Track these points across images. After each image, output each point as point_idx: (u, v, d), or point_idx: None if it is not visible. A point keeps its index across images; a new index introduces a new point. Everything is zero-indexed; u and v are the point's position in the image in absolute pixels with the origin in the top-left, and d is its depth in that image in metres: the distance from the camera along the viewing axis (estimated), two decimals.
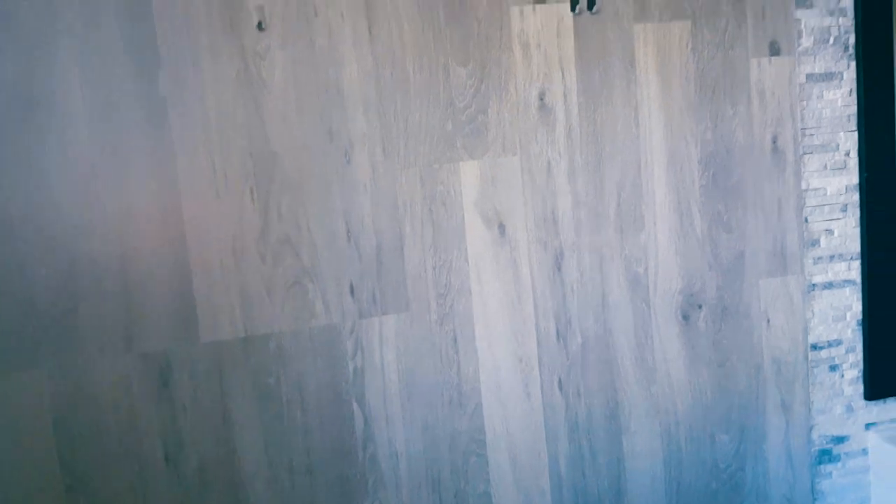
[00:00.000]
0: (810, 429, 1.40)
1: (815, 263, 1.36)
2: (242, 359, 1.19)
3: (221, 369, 1.18)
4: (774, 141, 1.31)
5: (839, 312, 1.38)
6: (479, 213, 1.25)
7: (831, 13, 1.31)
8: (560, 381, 1.30)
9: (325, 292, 1.21)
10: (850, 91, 1.33)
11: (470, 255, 1.25)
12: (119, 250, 1.12)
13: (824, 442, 1.40)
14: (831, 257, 1.36)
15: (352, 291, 1.22)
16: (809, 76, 1.31)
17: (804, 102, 1.31)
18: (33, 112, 1.07)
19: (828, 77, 1.32)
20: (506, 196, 1.25)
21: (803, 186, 1.33)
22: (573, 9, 1.22)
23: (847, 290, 1.38)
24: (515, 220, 1.26)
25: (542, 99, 1.24)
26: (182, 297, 1.15)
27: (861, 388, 1.41)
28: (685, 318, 1.33)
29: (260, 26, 1.14)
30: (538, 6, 1.22)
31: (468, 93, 1.22)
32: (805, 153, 1.33)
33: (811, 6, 1.30)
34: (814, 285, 1.36)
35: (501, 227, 1.26)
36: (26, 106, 1.06)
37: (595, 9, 1.23)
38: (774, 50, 1.29)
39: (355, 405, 1.24)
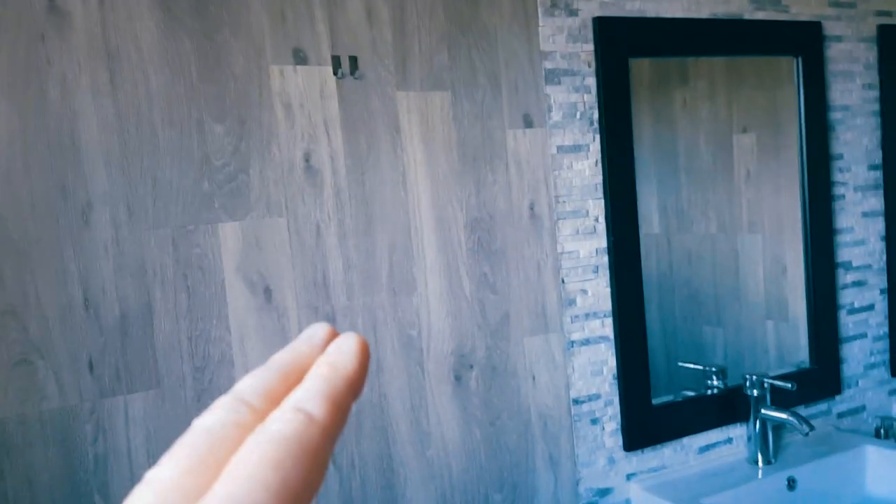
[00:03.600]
0: (577, 482, 1.45)
1: (573, 322, 1.43)
2: None
3: None
4: (532, 207, 1.39)
5: (597, 367, 1.46)
6: (242, 278, 1.18)
7: (577, 90, 1.43)
8: (333, 454, 1.24)
9: (59, 370, 1.07)
10: (596, 162, 1.45)
11: (232, 324, 1.17)
12: None
13: (591, 495, 1.46)
14: (587, 315, 1.45)
15: (91, 368, 1.08)
16: (560, 147, 1.41)
17: (556, 172, 1.41)
18: None
19: (576, 148, 1.43)
20: (272, 259, 1.20)
21: (559, 250, 1.41)
22: (335, 72, 1.22)
23: (602, 346, 1.47)
24: (283, 284, 1.20)
25: (307, 160, 1.22)
26: None
27: (620, 439, 1.49)
28: (457, 378, 1.33)
29: None
30: (299, 67, 1.20)
31: (226, 150, 1.16)
32: (559, 219, 1.41)
33: (559, 83, 1.41)
34: (573, 342, 1.44)
35: (268, 292, 1.20)
36: None
37: (357, 74, 1.24)
38: (528, 122, 1.38)
39: (97, 497, 1.09)
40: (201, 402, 1.15)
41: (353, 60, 1.23)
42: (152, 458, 1.11)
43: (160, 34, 1.11)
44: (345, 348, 0.22)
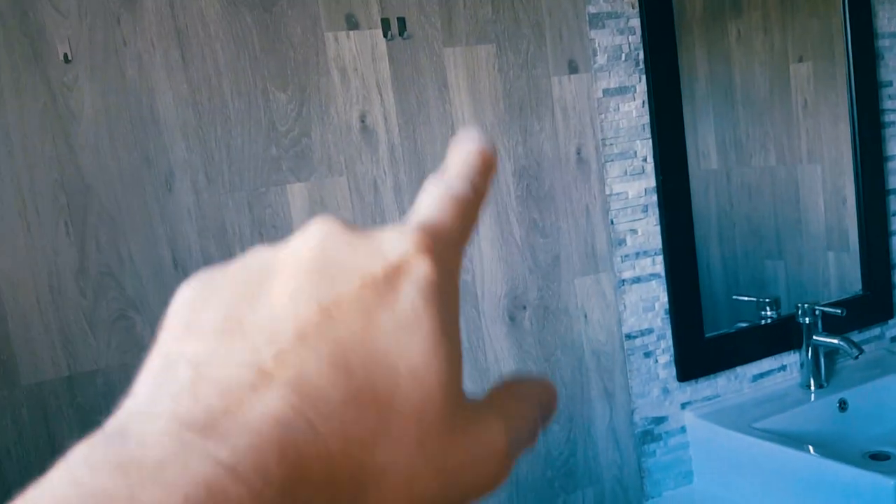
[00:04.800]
0: (632, 412, 1.53)
1: (623, 261, 1.49)
2: (68, 399, 1.15)
3: (46, 411, 1.14)
4: (579, 152, 1.43)
5: (648, 304, 1.52)
6: None
7: (621, 32, 1.45)
8: None
9: (154, 323, 1.20)
10: (643, 102, 1.48)
11: None
12: None
13: (646, 423, 1.54)
14: (637, 254, 1.50)
15: None
16: (606, 91, 1.45)
17: (602, 115, 1.44)
18: None
19: (622, 91, 1.46)
20: (336, 215, 1.29)
21: (607, 192, 1.46)
22: (385, 34, 1.29)
23: (654, 283, 1.52)
24: None
25: (363, 121, 1.30)
26: None
27: (674, 371, 1.56)
28: (511, 318, 1.42)
29: (66, 58, 1.12)
30: (352, 32, 1.27)
31: (290, 116, 1.25)
32: (607, 161, 1.46)
33: (603, 27, 1.43)
34: (623, 281, 1.50)
35: None
36: None
37: (406, 34, 1.30)
38: (573, 68, 1.42)
39: None
40: None
41: (402, 21, 1.29)
42: None
43: (223, 10, 1.19)
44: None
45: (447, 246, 0.23)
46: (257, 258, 0.23)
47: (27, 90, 1.10)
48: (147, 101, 1.17)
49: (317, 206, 1.28)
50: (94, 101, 1.14)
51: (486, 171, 0.26)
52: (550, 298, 1.44)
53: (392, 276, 0.21)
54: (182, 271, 1.20)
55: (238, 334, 0.20)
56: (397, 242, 0.22)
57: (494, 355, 1.41)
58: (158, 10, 1.16)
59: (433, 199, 0.24)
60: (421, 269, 0.22)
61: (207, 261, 1.22)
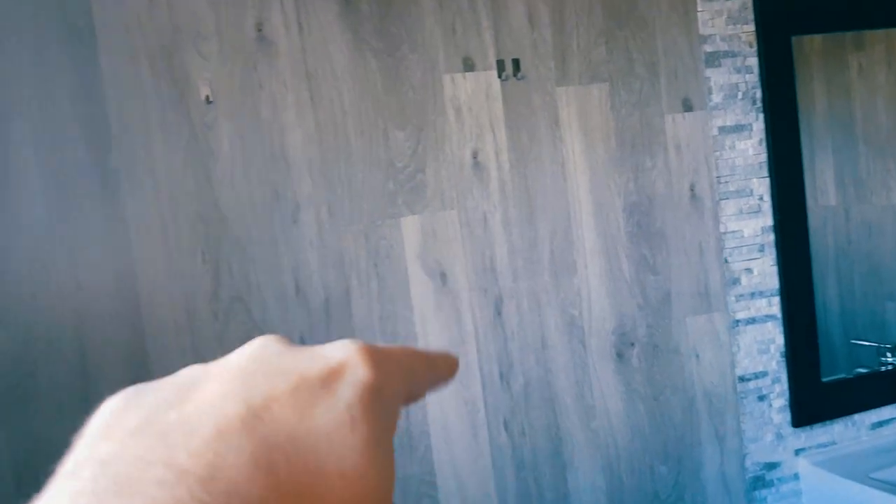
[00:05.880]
0: (743, 457, 1.48)
1: (737, 301, 1.46)
2: None
3: None
4: (692, 189, 1.42)
5: (763, 345, 1.48)
6: (421, 265, 1.33)
7: (738, 71, 1.43)
8: (505, 422, 1.37)
9: None
10: (760, 141, 1.45)
11: (414, 305, 1.33)
12: (75, 315, 1.17)
13: (757, 469, 1.49)
14: (752, 294, 1.46)
15: (302, 343, 1.28)
16: (721, 128, 1.43)
17: (718, 153, 1.43)
18: None
19: (738, 129, 1.44)
20: (446, 247, 1.34)
21: (722, 230, 1.44)
22: (500, 75, 1.33)
23: (769, 325, 1.48)
24: (456, 269, 1.34)
25: (475, 157, 1.34)
26: (138, 357, 1.20)
27: (788, 415, 1.50)
28: (619, 356, 1.41)
29: (207, 100, 1.22)
30: (468, 73, 1.32)
31: (406, 154, 1.31)
32: (721, 199, 1.44)
33: (719, 65, 1.42)
34: (737, 321, 1.46)
35: (443, 277, 1.34)
36: None
37: (520, 74, 1.34)
38: (687, 106, 1.41)
39: None
40: None
41: (516, 62, 1.33)
42: None
43: (350, 55, 1.27)
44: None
45: (391, 367, 0.23)
46: (188, 372, 0.23)
47: (172, 129, 1.21)
48: (278, 140, 1.25)
49: (429, 238, 1.32)
50: (232, 139, 1.23)
51: (446, 369, 0.28)
52: (660, 336, 1.42)
53: (330, 379, 0.21)
54: (303, 297, 1.27)
55: (154, 434, 0.19)
56: (339, 348, 0.22)
57: (601, 392, 1.40)
58: (292, 55, 1.25)
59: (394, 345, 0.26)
60: (360, 373, 0.21)
61: (326, 288, 1.28)
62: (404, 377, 0.24)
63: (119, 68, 1.18)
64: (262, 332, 1.26)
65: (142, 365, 1.20)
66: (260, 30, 1.24)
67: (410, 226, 1.32)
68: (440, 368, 0.28)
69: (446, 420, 1.34)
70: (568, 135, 1.37)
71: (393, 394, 0.23)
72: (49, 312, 1.16)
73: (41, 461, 1.16)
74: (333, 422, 0.20)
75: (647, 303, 1.41)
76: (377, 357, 0.23)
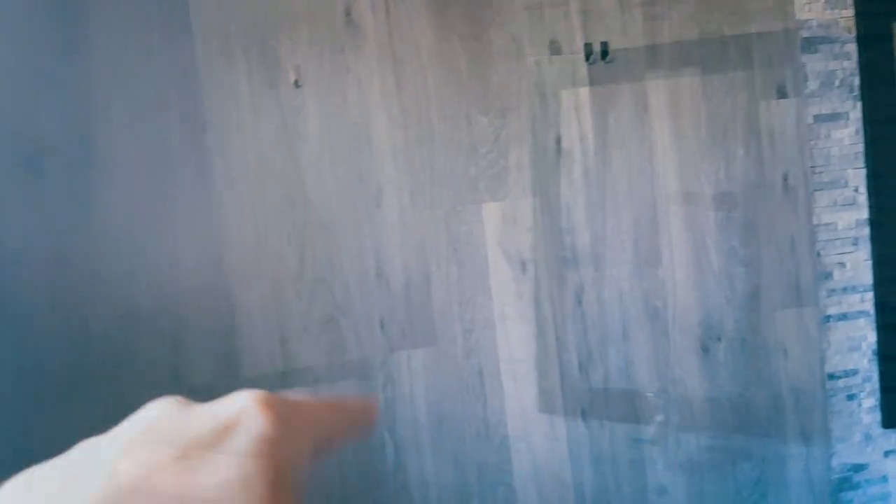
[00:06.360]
0: (830, 457, 1.42)
1: (828, 296, 1.40)
2: (281, 391, 1.26)
3: None
4: (785, 179, 1.37)
5: (854, 343, 1.42)
6: (501, 252, 1.32)
7: (835, 57, 1.37)
8: (583, 412, 1.35)
9: (358, 327, 1.28)
10: (857, 130, 1.38)
11: (493, 292, 1.32)
12: (170, 292, 1.20)
13: (844, 470, 1.43)
14: (844, 289, 1.40)
15: (382, 326, 1.29)
16: (817, 116, 1.37)
17: (813, 142, 1.37)
18: (90, 167, 1.17)
19: (834, 117, 1.38)
20: (527, 235, 1.32)
21: (815, 222, 1.38)
22: (587, 59, 1.30)
23: (861, 321, 1.41)
24: (536, 257, 1.33)
25: (558, 143, 1.32)
26: (226, 334, 1.23)
27: (879, 416, 1.43)
28: (704, 350, 1.37)
29: (296, 84, 1.23)
30: (554, 57, 1.30)
31: (489, 139, 1.30)
32: (815, 190, 1.38)
33: (816, 52, 1.36)
34: (828, 317, 1.40)
35: (523, 265, 1.32)
36: (84, 161, 1.17)
37: (608, 58, 1.31)
38: (782, 93, 1.36)
39: (386, 434, 1.30)
40: (469, 359, 1.32)
41: (605, 46, 1.30)
42: (430, 405, 1.30)
43: (436, 39, 1.27)
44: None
45: (291, 417, 0.22)
46: (77, 453, 0.23)
47: (263, 113, 1.23)
48: (363, 124, 1.26)
49: (509, 225, 1.31)
50: (319, 123, 1.25)
51: (362, 417, 0.27)
52: (748, 331, 1.38)
53: (223, 435, 0.21)
54: (384, 281, 1.28)
55: None
56: (236, 401, 0.22)
57: (684, 386, 1.37)
58: (378, 39, 1.25)
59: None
60: (254, 424, 0.21)
61: (406, 272, 1.29)
62: (310, 426, 0.24)
63: (213, 53, 1.20)
64: (343, 314, 1.28)
65: (230, 342, 1.23)
66: (349, 14, 1.24)
67: (491, 212, 1.31)
68: (355, 417, 0.27)
69: (524, 408, 1.33)
70: (657, 121, 1.33)
71: (294, 442, 0.22)
72: (145, 290, 1.20)
73: None
74: (225, 478, 0.20)
75: (735, 296, 1.37)
76: (276, 407, 0.22)
